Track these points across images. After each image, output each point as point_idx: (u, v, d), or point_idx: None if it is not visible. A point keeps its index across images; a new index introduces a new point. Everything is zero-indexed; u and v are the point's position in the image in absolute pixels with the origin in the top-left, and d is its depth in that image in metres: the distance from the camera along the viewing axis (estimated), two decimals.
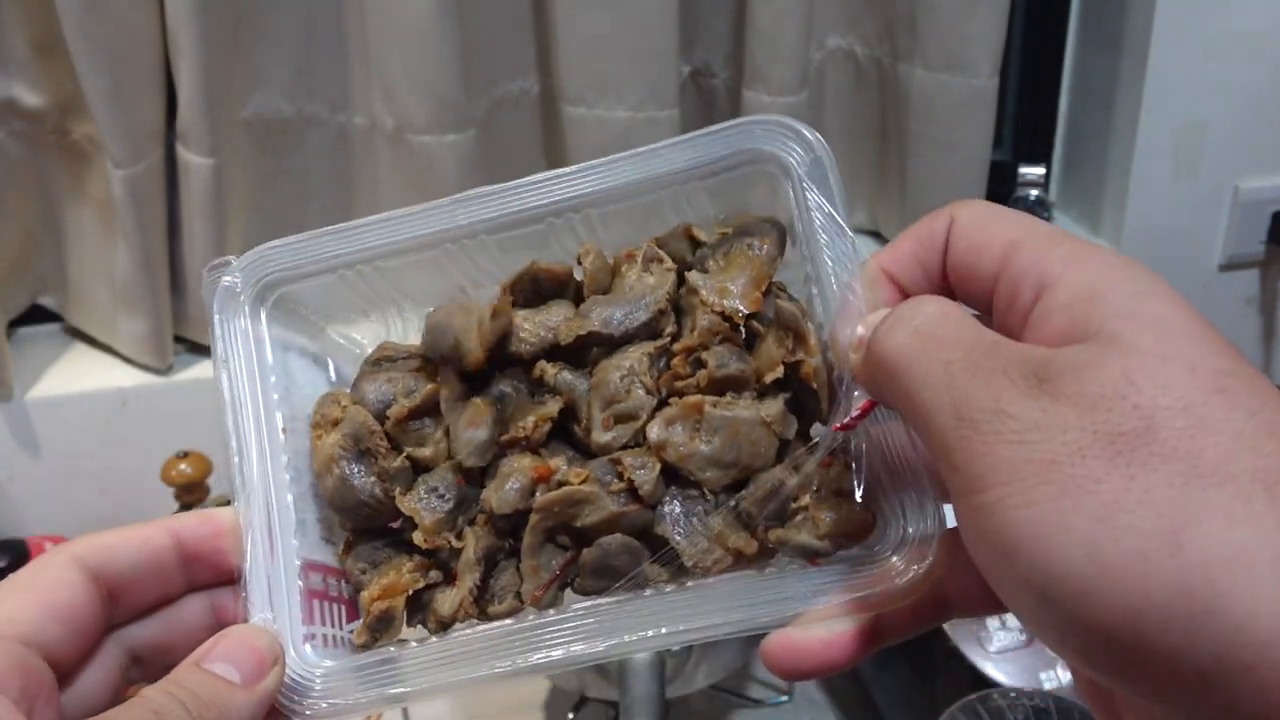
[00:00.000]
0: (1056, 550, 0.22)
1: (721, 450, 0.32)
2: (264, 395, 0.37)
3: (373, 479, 0.34)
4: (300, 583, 0.33)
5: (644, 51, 0.85)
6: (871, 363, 0.28)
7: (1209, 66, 0.97)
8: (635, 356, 0.33)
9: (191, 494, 0.80)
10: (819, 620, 0.30)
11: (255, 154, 0.89)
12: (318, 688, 0.32)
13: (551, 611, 0.32)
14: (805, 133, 0.32)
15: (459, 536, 0.34)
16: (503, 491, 0.33)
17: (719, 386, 0.32)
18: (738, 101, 0.91)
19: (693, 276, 0.33)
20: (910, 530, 0.29)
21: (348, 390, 0.36)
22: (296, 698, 0.32)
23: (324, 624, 0.33)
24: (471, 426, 0.33)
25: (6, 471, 0.91)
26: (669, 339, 0.34)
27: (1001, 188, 1.06)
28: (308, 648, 0.32)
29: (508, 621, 0.33)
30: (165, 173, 0.85)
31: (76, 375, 0.92)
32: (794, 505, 0.32)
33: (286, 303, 0.37)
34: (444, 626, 0.33)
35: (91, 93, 0.79)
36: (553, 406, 0.34)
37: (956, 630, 0.69)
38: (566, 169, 0.35)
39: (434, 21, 0.80)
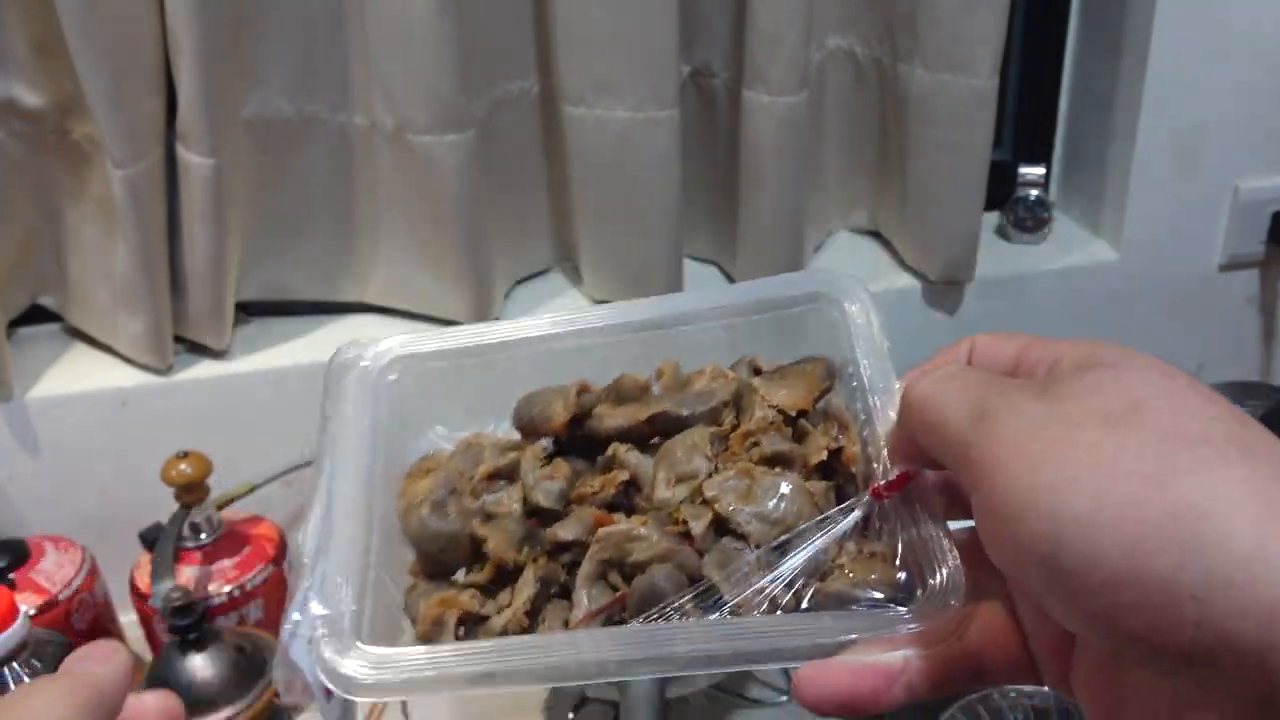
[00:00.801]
0: (1064, 500, 0.25)
1: (768, 509, 0.36)
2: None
3: (454, 513, 0.40)
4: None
5: (644, 51, 0.85)
6: (905, 404, 0.32)
7: (1209, 66, 0.97)
8: (698, 435, 0.39)
9: (191, 494, 0.80)
10: (848, 654, 0.32)
11: (255, 154, 0.89)
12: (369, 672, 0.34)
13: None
14: (857, 282, 0.41)
15: (523, 562, 0.38)
16: (567, 523, 0.38)
17: (769, 462, 0.38)
18: (738, 101, 0.91)
19: (754, 380, 0.40)
20: (934, 583, 0.32)
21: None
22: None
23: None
24: (549, 479, 0.40)
25: (6, 471, 0.91)
26: (730, 428, 0.40)
27: (1001, 188, 1.06)
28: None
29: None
30: (165, 173, 0.85)
31: (76, 375, 0.92)
32: (832, 563, 0.35)
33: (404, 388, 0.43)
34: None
35: (91, 93, 0.79)
36: (620, 474, 0.39)
37: None
38: (652, 300, 0.43)
39: (434, 21, 0.80)
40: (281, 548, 0.85)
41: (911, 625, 0.31)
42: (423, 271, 0.94)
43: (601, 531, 0.37)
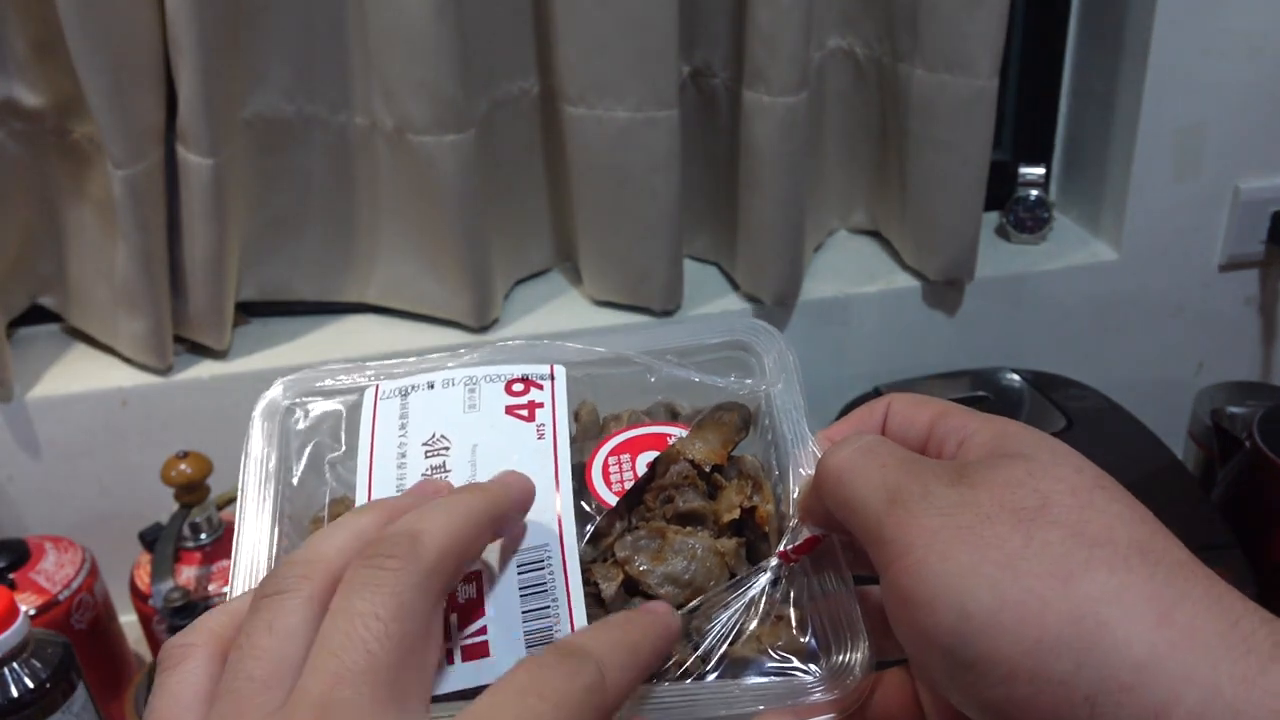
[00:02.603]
0: (969, 593, 0.26)
1: (678, 571, 0.36)
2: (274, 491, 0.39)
3: None
4: None
5: (644, 51, 0.85)
6: (820, 475, 0.33)
7: (1209, 66, 0.97)
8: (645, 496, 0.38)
9: (191, 494, 0.80)
10: None
11: (255, 154, 0.89)
12: None
13: None
14: (776, 334, 0.40)
15: None
16: None
17: (683, 519, 0.37)
18: (738, 101, 0.91)
19: (659, 421, 0.40)
20: (841, 655, 0.33)
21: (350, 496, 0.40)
22: None
23: None
24: None
25: (6, 471, 0.91)
26: (645, 481, 0.38)
27: (1001, 188, 1.06)
28: None
29: None
30: (165, 173, 0.85)
31: (76, 375, 0.92)
32: (741, 627, 0.35)
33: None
34: None
35: (91, 93, 0.79)
36: None
37: None
38: (558, 345, 0.41)
39: (434, 21, 0.80)
40: None
41: (818, 696, 0.32)
42: (423, 271, 0.94)
43: None
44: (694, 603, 0.36)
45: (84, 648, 0.76)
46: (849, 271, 1.03)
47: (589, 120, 0.88)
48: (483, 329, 0.95)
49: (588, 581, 0.35)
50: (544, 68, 0.92)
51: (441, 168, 0.86)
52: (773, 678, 0.33)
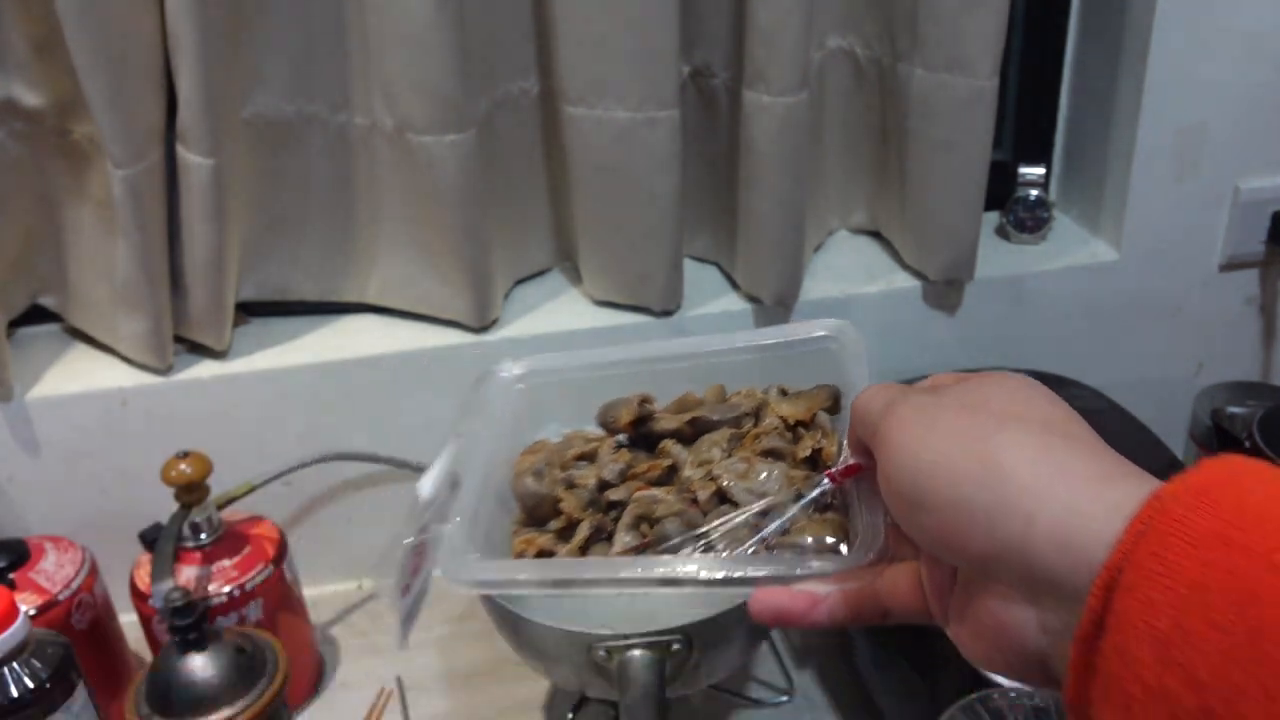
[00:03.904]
0: (920, 453, 0.37)
1: (755, 485, 0.50)
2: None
3: (546, 481, 0.56)
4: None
5: (644, 51, 0.85)
6: (851, 407, 0.43)
7: (1209, 66, 0.97)
8: (721, 435, 0.54)
9: (192, 494, 0.80)
10: (792, 585, 0.43)
11: (255, 154, 0.89)
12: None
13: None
14: (858, 336, 0.54)
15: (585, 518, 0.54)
16: (617, 489, 0.54)
17: (768, 454, 0.52)
18: (738, 101, 0.91)
19: (773, 398, 0.55)
20: (859, 542, 0.43)
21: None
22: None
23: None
24: (615, 461, 0.56)
25: (6, 471, 0.91)
26: (747, 431, 0.54)
27: (1001, 188, 1.06)
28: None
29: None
30: (165, 173, 0.85)
31: (76, 375, 0.92)
32: (795, 525, 0.47)
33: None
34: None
35: (91, 93, 0.79)
36: (665, 461, 0.54)
37: None
38: (707, 337, 0.59)
39: (434, 21, 0.80)
40: (281, 548, 0.85)
41: (834, 568, 0.42)
42: (423, 271, 0.94)
43: (636, 495, 0.52)
44: (762, 504, 0.49)
45: (84, 648, 0.76)
46: (849, 271, 1.03)
47: (589, 120, 0.88)
48: (483, 329, 0.95)
49: (688, 490, 0.51)
50: (544, 68, 0.92)
51: (441, 168, 0.86)
52: (810, 556, 0.44)
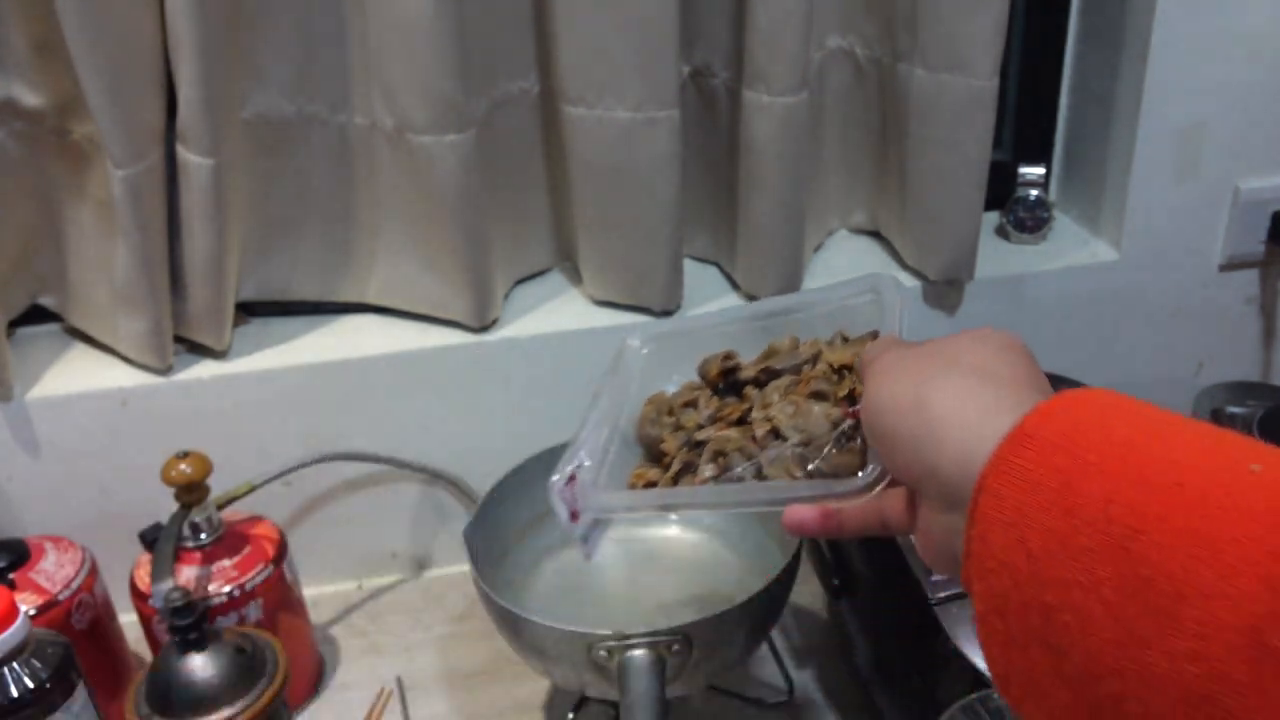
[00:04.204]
0: (884, 392, 0.44)
1: (802, 424, 0.58)
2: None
3: (659, 426, 0.66)
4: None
5: (644, 51, 0.85)
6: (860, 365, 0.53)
7: (1209, 66, 0.97)
8: (784, 380, 0.63)
9: (192, 494, 0.80)
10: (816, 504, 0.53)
11: (255, 154, 0.89)
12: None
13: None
14: (897, 285, 0.61)
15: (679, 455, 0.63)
16: (705, 430, 0.63)
17: (816, 395, 0.60)
18: (738, 101, 0.91)
19: (826, 346, 0.63)
20: (868, 471, 0.50)
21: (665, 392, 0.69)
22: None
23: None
24: (707, 408, 0.65)
25: (6, 471, 0.91)
26: (805, 377, 0.62)
27: (1001, 188, 1.06)
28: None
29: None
30: (165, 173, 0.85)
31: (76, 375, 0.92)
32: (827, 455, 0.56)
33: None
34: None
35: (91, 93, 0.79)
36: (741, 406, 0.63)
37: (957, 630, 0.69)
38: (781, 297, 0.77)
39: (434, 21, 0.80)
40: (281, 548, 0.85)
41: (844, 490, 0.50)
42: (423, 271, 0.94)
43: (715, 435, 0.61)
44: (801, 437, 0.58)
45: (84, 648, 0.76)
46: (849, 271, 1.03)
47: (589, 120, 0.88)
48: (483, 329, 0.95)
49: (747, 422, 0.61)
50: (544, 68, 0.92)
51: (441, 168, 0.86)
52: (833, 481, 0.53)
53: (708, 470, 0.60)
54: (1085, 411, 0.37)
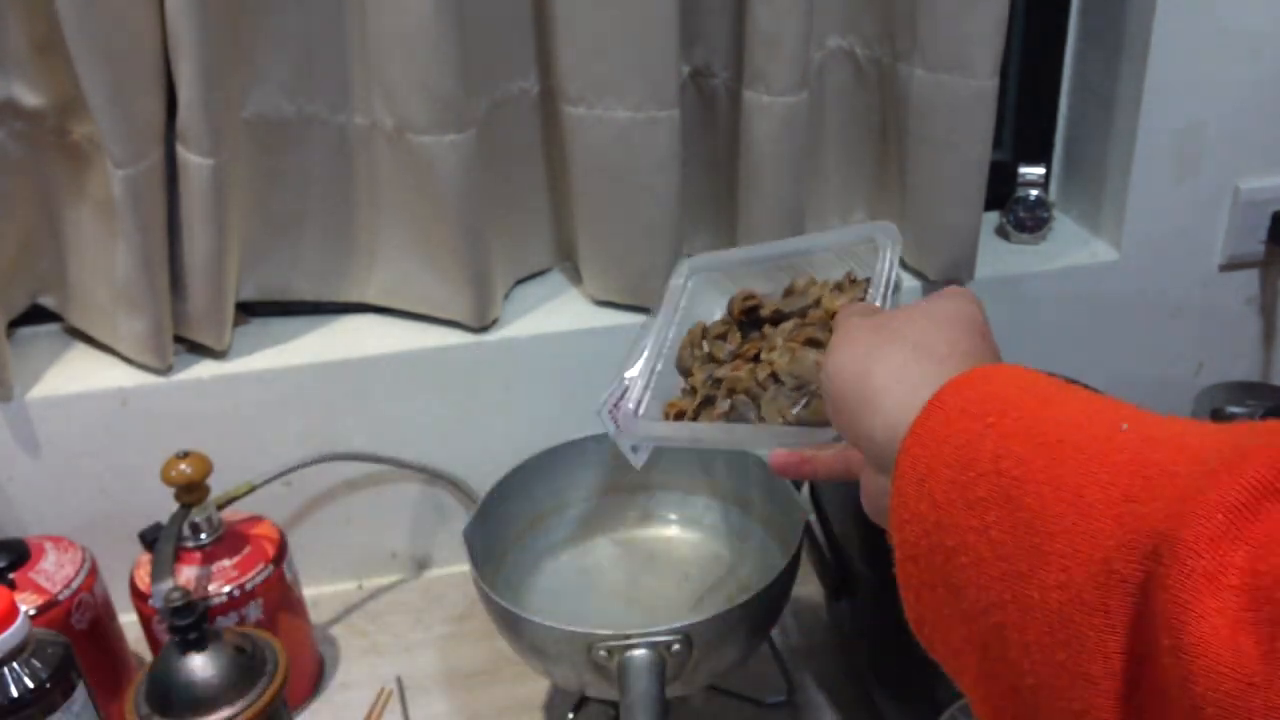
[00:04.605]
0: (835, 358, 0.49)
1: (797, 370, 0.62)
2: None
3: (690, 359, 0.70)
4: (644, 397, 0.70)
5: (644, 51, 0.85)
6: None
7: (1209, 66, 0.97)
8: (789, 324, 0.66)
9: (192, 494, 0.80)
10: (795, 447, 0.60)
11: (255, 154, 0.89)
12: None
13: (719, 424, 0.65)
14: (893, 236, 0.63)
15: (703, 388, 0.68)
16: (723, 367, 0.68)
17: (810, 342, 0.63)
18: (738, 101, 0.91)
19: (824, 291, 0.66)
20: None
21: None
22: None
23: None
24: (730, 344, 0.69)
25: (6, 471, 0.91)
26: (808, 320, 0.66)
27: (1001, 188, 1.06)
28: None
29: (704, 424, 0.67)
30: (165, 173, 0.85)
31: (76, 375, 0.92)
32: (813, 402, 0.61)
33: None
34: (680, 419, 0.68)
35: (91, 93, 0.79)
36: (759, 343, 0.67)
37: None
38: (797, 238, 0.82)
39: (434, 21, 0.80)
40: (281, 547, 0.85)
41: (819, 439, 0.56)
42: (423, 271, 0.94)
43: (728, 374, 0.66)
44: (794, 383, 0.62)
45: (84, 648, 0.76)
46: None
47: (589, 120, 0.88)
48: (483, 329, 0.95)
49: (756, 361, 0.66)
50: (544, 68, 0.92)
51: (441, 168, 0.86)
52: (808, 428, 0.59)
53: (723, 406, 0.65)
54: (991, 383, 0.41)
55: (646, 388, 0.69)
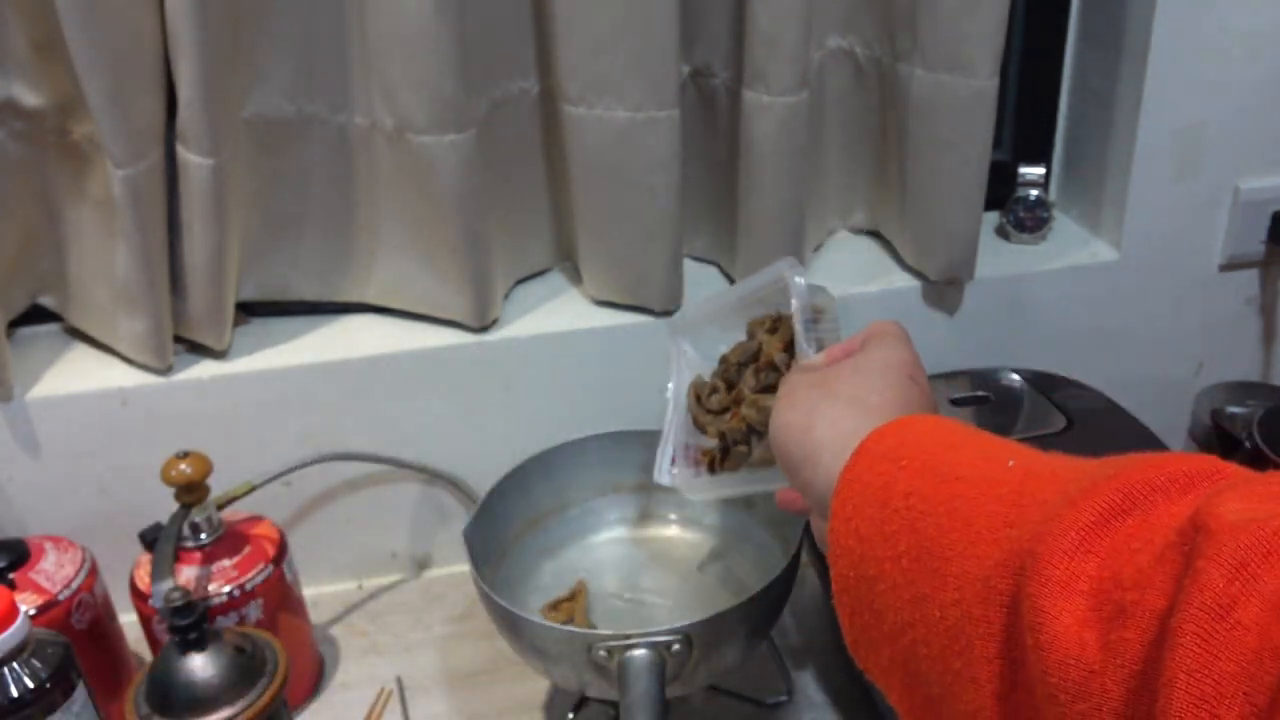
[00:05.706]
0: (780, 413, 0.54)
1: (764, 419, 0.62)
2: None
3: (699, 414, 0.71)
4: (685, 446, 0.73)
5: (644, 51, 0.85)
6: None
7: (1209, 66, 0.97)
8: (750, 372, 0.68)
9: (192, 494, 0.80)
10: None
11: (255, 154, 0.89)
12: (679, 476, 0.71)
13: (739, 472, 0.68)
14: (796, 265, 0.65)
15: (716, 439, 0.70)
16: (720, 421, 0.70)
17: (768, 389, 0.65)
18: (738, 101, 0.91)
19: (764, 337, 0.68)
20: None
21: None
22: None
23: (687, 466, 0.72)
24: (714, 393, 0.71)
25: (6, 471, 0.91)
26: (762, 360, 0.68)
27: (1001, 188, 1.06)
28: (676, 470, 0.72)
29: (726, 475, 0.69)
30: (165, 173, 0.85)
31: (76, 375, 0.92)
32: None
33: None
34: (710, 469, 0.71)
35: (91, 93, 0.79)
36: (739, 393, 0.69)
37: None
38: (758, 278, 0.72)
39: (434, 21, 0.80)
40: (281, 548, 0.85)
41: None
42: (423, 271, 0.94)
43: (726, 428, 0.68)
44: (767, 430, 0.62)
45: (84, 648, 0.76)
46: (849, 271, 1.03)
47: (589, 120, 0.88)
48: (483, 329, 0.95)
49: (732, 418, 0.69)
50: (544, 68, 0.92)
51: (441, 168, 0.86)
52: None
53: (738, 453, 0.69)
54: (907, 431, 0.47)
55: (687, 445, 0.74)
